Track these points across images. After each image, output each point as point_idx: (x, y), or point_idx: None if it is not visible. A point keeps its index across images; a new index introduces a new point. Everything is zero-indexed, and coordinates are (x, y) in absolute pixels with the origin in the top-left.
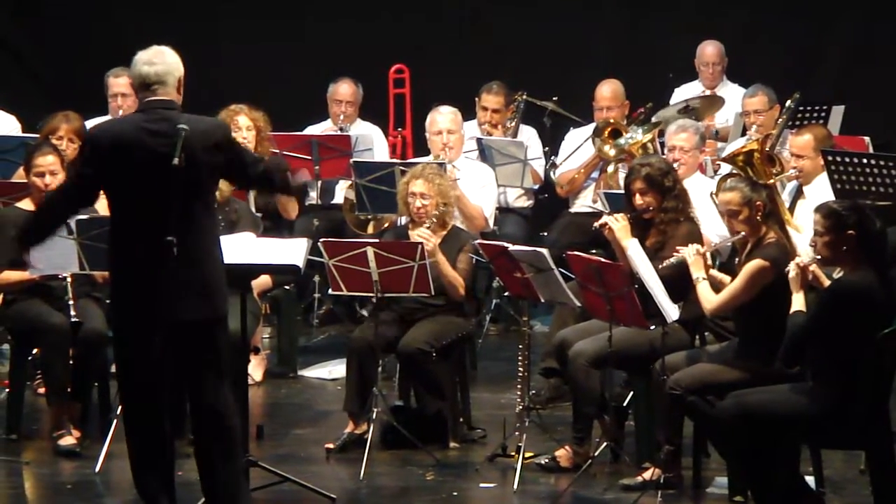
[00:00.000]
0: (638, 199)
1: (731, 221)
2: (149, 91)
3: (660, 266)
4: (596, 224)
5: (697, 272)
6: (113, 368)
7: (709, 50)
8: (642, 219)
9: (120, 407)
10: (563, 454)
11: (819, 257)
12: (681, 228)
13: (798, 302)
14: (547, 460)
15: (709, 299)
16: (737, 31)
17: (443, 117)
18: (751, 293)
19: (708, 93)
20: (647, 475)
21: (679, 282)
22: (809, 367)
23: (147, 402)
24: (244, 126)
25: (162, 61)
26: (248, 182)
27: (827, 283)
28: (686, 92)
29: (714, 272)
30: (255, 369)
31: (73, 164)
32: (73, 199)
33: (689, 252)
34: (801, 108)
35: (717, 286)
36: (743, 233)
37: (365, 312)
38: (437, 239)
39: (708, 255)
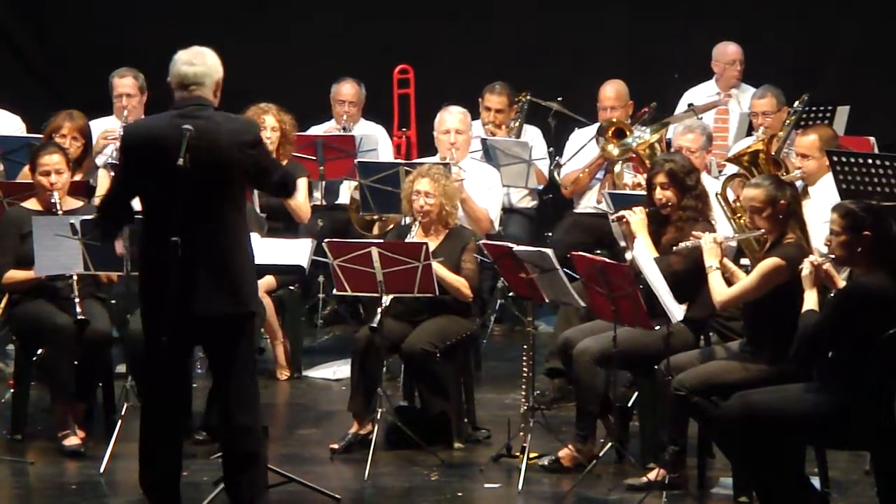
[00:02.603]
0: (658, 193)
1: (753, 217)
2: (185, 91)
3: (674, 248)
4: (613, 216)
5: (711, 260)
6: (118, 369)
7: (731, 48)
8: (660, 214)
9: (125, 406)
10: (566, 454)
11: (833, 256)
12: (697, 228)
13: (811, 300)
14: (551, 460)
15: (720, 291)
16: (741, 31)
17: (452, 117)
18: (763, 290)
19: (721, 95)
20: (651, 476)
21: (686, 282)
22: (815, 367)
23: (167, 401)
24: (269, 126)
25: (202, 62)
26: (265, 187)
27: (840, 282)
28: (699, 93)
29: (728, 263)
30: (282, 369)
31: (111, 169)
32: (124, 201)
33: (706, 239)
34: (807, 109)
35: (728, 278)
36: (763, 230)
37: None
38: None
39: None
